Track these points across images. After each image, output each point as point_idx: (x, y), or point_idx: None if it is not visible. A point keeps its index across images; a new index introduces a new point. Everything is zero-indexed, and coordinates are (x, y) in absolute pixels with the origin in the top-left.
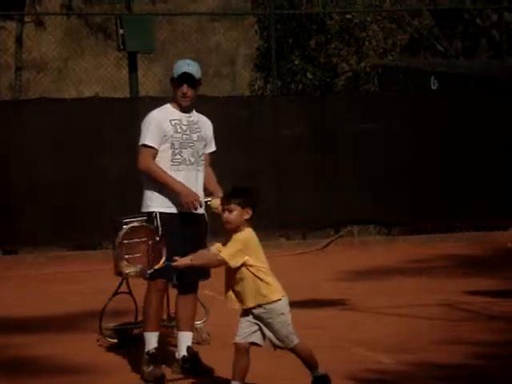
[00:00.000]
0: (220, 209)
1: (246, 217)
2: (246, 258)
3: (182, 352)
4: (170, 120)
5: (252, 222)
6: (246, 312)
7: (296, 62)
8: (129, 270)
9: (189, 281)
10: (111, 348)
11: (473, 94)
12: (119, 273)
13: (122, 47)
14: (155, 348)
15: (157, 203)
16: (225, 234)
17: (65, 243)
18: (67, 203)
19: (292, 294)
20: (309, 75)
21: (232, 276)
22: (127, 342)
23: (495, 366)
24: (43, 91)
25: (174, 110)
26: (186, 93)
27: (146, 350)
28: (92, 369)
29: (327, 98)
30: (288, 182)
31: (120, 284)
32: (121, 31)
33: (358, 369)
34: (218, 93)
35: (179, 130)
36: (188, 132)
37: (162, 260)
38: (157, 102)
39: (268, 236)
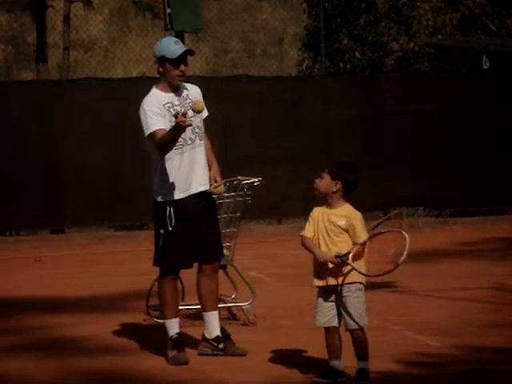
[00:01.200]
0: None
1: (334, 189)
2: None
3: (215, 331)
4: (163, 105)
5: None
6: (327, 292)
7: (344, 42)
8: None
9: (210, 261)
10: (156, 329)
11: None
12: None
13: (169, 26)
14: (177, 333)
15: (168, 192)
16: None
17: (112, 223)
18: (114, 184)
19: None
20: (357, 55)
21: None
22: None
23: None
24: (91, 71)
25: (162, 92)
26: (184, 71)
27: (169, 336)
28: (134, 349)
29: (376, 77)
30: (336, 163)
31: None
32: (168, 10)
33: (407, 352)
34: (266, 72)
35: (174, 113)
36: (183, 110)
37: None
38: (204, 81)
39: None
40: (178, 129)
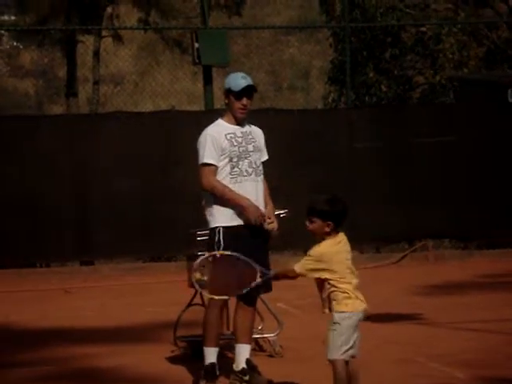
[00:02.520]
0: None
1: (327, 229)
2: (321, 272)
3: (241, 364)
4: (226, 135)
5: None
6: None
7: (370, 75)
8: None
9: (250, 293)
10: (184, 359)
11: None
12: (193, 284)
13: (197, 61)
14: (212, 363)
15: (219, 218)
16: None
17: (140, 255)
18: (143, 215)
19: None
20: (383, 88)
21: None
22: (201, 354)
23: None
24: (120, 104)
25: (227, 124)
26: (246, 105)
27: (204, 364)
28: (162, 380)
29: (402, 110)
30: (362, 195)
31: (194, 296)
32: (196, 45)
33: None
34: (292, 106)
35: (235, 143)
36: (244, 143)
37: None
38: None
39: None
40: (247, 216)
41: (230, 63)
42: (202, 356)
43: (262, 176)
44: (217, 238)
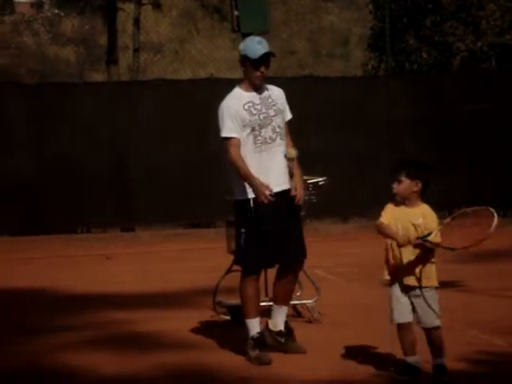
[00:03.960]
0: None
1: (415, 189)
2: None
3: (279, 326)
4: (243, 105)
5: (361, 202)
6: (404, 288)
7: (410, 42)
8: None
9: (288, 262)
10: (223, 325)
11: None
12: (233, 251)
13: (236, 29)
14: (258, 332)
15: (248, 190)
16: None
17: (180, 222)
18: (182, 183)
19: None
20: (423, 55)
21: (400, 250)
22: (240, 320)
23: None
24: (160, 72)
25: (244, 92)
26: (264, 72)
27: (250, 334)
28: (201, 345)
29: (443, 77)
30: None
31: (233, 262)
32: (236, 13)
33: (472, 351)
34: (331, 73)
35: (254, 112)
36: (264, 110)
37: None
38: (270, 81)
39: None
40: (256, 194)
41: (270, 30)
42: (241, 322)
43: (284, 139)
44: (248, 211)
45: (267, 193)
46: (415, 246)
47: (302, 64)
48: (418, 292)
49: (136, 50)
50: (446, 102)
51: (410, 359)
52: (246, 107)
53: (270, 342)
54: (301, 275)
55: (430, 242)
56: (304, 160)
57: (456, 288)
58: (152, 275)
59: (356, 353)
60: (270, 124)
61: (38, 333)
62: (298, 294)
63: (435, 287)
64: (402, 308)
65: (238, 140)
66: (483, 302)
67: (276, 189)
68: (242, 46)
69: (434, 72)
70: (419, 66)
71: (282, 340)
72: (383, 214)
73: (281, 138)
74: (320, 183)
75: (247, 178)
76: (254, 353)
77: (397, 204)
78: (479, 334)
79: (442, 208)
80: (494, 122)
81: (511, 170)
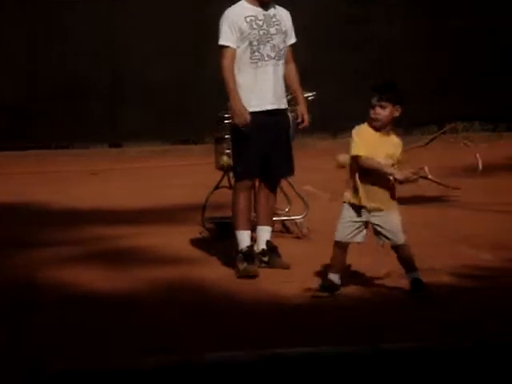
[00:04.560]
0: (345, 164)
1: (396, 114)
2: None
3: (261, 245)
4: (245, 17)
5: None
6: (356, 209)
7: None
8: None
9: (273, 176)
10: (211, 240)
11: None
12: (221, 167)
13: None
14: (248, 246)
15: (244, 103)
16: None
17: (168, 139)
18: (170, 99)
19: (398, 190)
20: None
21: (362, 172)
22: (228, 235)
23: None
24: None
25: (249, 5)
26: None
27: (240, 248)
28: (190, 259)
29: None
30: (391, 78)
31: (221, 178)
32: None
33: (460, 265)
34: None
35: (255, 26)
36: (265, 26)
37: None
38: None
39: None
40: (234, 115)
41: None
42: (229, 237)
43: (283, 60)
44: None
45: (245, 118)
46: (402, 182)
47: None
48: (381, 213)
49: None
50: (440, 19)
51: (332, 276)
52: (248, 20)
53: (257, 262)
54: (290, 191)
55: (427, 178)
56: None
57: (446, 203)
58: (138, 191)
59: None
60: (269, 42)
61: (26, 247)
62: (287, 209)
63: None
64: (345, 228)
65: (234, 50)
66: (472, 217)
67: (268, 107)
68: None
69: None
70: None
71: (265, 258)
72: (359, 142)
73: (279, 58)
74: (309, 98)
75: (231, 94)
76: (242, 266)
77: (373, 130)
78: (468, 249)
79: (429, 123)
80: (483, 37)
81: (501, 84)
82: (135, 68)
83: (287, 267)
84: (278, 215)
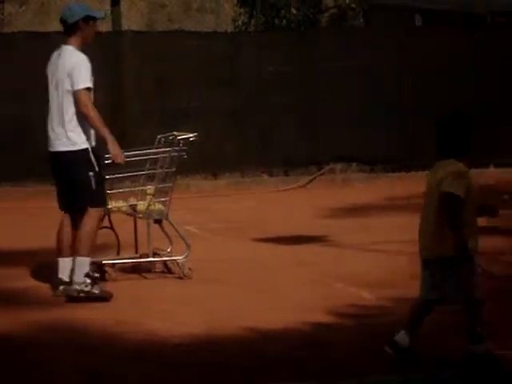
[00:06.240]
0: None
1: None
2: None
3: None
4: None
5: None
6: None
7: None
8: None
9: (69, 210)
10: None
11: (455, 31)
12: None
13: None
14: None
15: (86, 139)
16: None
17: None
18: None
19: (275, 230)
20: (293, 10)
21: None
22: (103, 276)
23: None
24: (26, 25)
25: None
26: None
27: (86, 272)
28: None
29: (312, 34)
30: (271, 119)
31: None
32: None
33: (340, 304)
34: (202, 28)
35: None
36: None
37: None
38: (141, 36)
39: (251, 173)
40: (113, 151)
41: None
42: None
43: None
44: (90, 157)
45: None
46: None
47: (172, 18)
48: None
49: (1, 2)
50: (315, 58)
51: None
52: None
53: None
54: (171, 231)
55: None
56: (174, 116)
57: (326, 243)
58: (18, 230)
59: (221, 308)
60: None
61: None
62: (169, 250)
63: None
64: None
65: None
66: (351, 256)
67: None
68: (74, 10)
69: (304, 28)
70: (288, 22)
71: (61, 288)
72: (462, 184)
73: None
74: (190, 139)
75: (108, 134)
76: (97, 288)
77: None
78: (347, 288)
79: (308, 163)
80: (360, 78)
81: (377, 126)
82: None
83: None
84: (160, 256)
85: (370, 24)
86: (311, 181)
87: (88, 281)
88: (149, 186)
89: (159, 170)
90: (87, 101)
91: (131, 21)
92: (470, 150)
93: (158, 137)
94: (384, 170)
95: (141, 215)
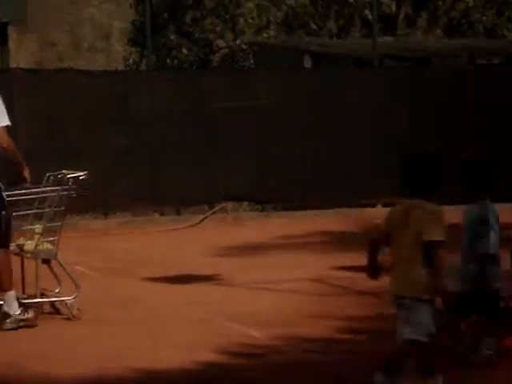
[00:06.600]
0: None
1: None
2: None
3: None
4: None
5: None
6: None
7: (171, 37)
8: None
9: None
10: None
11: (344, 73)
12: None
13: None
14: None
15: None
16: None
17: None
18: None
19: (166, 269)
20: (184, 51)
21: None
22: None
23: (362, 339)
24: None
25: None
26: None
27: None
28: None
29: (203, 74)
30: (163, 157)
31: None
32: None
33: (229, 343)
34: (93, 66)
35: None
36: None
37: None
38: (30, 74)
39: (142, 211)
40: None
41: (27, 21)
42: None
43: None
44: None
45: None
46: None
47: (62, 57)
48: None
49: None
50: (207, 99)
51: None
52: None
53: None
54: (60, 271)
55: None
56: (64, 155)
57: (217, 281)
58: None
59: (111, 349)
60: None
61: None
62: (57, 290)
63: None
64: None
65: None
66: (242, 295)
67: None
68: None
69: (196, 68)
70: (180, 62)
71: None
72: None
73: None
74: (80, 178)
75: (22, 164)
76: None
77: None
78: (238, 327)
79: (200, 202)
80: (250, 118)
81: (265, 165)
82: None
83: None
84: (48, 296)
85: (260, 65)
86: (203, 220)
87: None
88: (37, 225)
89: (48, 209)
90: (6, 136)
91: (20, 59)
92: (437, 188)
93: (47, 175)
94: (275, 209)
95: (28, 255)
